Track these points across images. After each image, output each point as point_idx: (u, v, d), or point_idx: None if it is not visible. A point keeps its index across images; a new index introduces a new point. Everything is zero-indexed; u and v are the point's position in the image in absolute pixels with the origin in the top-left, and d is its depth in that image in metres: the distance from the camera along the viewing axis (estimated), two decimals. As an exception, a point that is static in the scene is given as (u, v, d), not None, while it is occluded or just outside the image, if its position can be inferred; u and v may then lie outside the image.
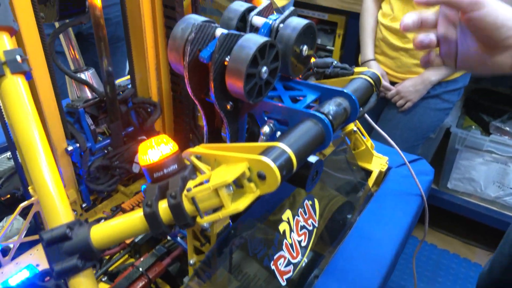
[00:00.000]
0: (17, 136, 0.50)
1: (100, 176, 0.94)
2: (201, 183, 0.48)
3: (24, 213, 0.84)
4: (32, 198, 0.86)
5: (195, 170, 0.54)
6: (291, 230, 0.75)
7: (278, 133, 0.61)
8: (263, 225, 0.72)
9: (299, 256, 0.76)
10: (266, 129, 0.60)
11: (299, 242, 0.76)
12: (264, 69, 0.56)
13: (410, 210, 0.94)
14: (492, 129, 1.87)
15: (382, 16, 1.57)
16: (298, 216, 0.78)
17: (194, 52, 0.56)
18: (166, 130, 1.04)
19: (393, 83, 1.58)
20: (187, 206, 0.47)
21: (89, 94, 0.93)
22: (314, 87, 0.65)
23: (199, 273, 0.64)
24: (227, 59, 0.54)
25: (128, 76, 1.01)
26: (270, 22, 0.64)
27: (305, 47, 0.64)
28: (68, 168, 0.88)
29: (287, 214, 0.75)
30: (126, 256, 0.88)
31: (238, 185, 0.49)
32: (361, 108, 0.66)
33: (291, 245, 0.75)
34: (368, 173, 1.02)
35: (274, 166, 0.46)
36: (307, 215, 0.80)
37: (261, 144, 0.50)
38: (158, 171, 0.50)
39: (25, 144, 0.49)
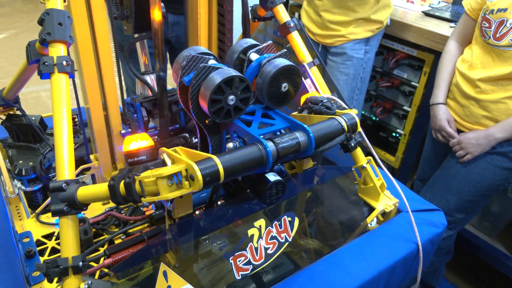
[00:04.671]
0: (53, 111, 0.73)
1: (144, 158, 1.17)
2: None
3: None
4: (91, 163, 1.14)
5: (163, 164, 0.70)
6: (259, 237, 0.86)
7: (241, 150, 0.74)
8: (233, 225, 0.85)
9: (261, 260, 0.87)
10: (230, 145, 0.74)
11: (266, 248, 0.87)
12: (231, 97, 0.69)
13: (397, 253, 0.96)
14: None
15: (461, 61, 1.53)
16: (272, 227, 0.88)
17: (184, 75, 0.73)
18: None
19: (459, 131, 1.52)
20: (137, 186, 0.64)
21: (150, 93, 1.17)
22: (285, 118, 0.76)
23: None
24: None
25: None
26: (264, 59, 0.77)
27: (284, 85, 0.76)
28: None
29: (260, 222, 0.87)
30: (146, 224, 1.09)
31: (181, 180, 0.64)
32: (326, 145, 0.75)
33: (256, 249, 0.86)
34: (371, 209, 1.05)
35: (199, 173, 0.60)
36: (282, 228, 0.90)
37: (205, 154, 0.65)
38: (131, 157, 0.68)
39: (56, 120, 0.72)
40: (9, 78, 1.14)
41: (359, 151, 1.02)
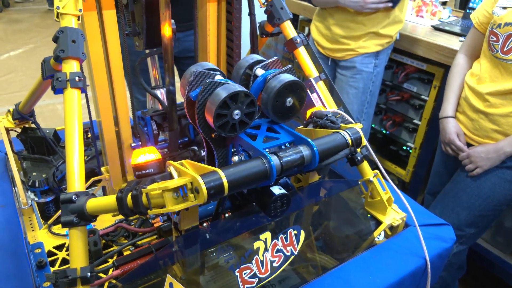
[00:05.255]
0: (65, 125, 0.75)
1: (153, 170, 1.20)
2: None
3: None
4: (102, 175, 1.16)
5: (170, 177, 0.72)
6: (265, 249, 0.87)
7: (246, 164, 0.75)
8: (238, 237, 0.86)
9: (267, 273, 0.87)
10: (235, 158, 0.75)
11: (271, 261, 0.88)
12: (236, 111, 0.71)
13: (405, 268, 0.95)
14: None
15: (470, 75, 1.52)
16: (278, 240, 0.89)
17: (191, 91, 0.75)
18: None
19: (469, 145, 1.51)
20: (144, 199, 0.66)
21: (160, 107, 1.20)
22: (290, 133, 0.77)
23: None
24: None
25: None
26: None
27: (289, 99, 0.77)
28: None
29: (266, 235, 0.87)
30: (154, 236, 1.11)
31: (186, 193, 0.65)
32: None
33: (262, 261, 0.87)
34: (379, 223, 1.05)
35: (204, 186, 0.62)
36: (288, 241, 0.90)
37: (210, 168, 0.66)
38: (139, 170, 0.70)
39: (68, 134, 0.75)
40: (26, 91, 1.18)
41: (365, 165, 1.02)
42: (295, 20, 2.55)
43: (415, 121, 2.09)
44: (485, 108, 1.43)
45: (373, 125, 2.33)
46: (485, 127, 1.44)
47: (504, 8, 1.36)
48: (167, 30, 1.04)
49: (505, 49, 1.34)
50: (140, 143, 1.13)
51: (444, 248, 1.03)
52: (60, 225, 1.11)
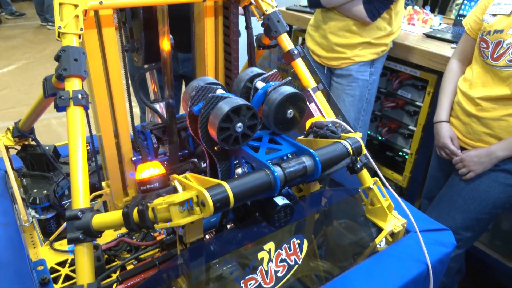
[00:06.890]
0: (68, 142, 0.76)
1: (154, 184, 1.20)
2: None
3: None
4: (103, 190, 1.16)
5: (174, 190, 0.73)
6: (269, 260, 0.88)
7: (249, 175, 0.76)
8: (243, 248, 0.86)
9: (272, 283, 0.87)
10: (238, 170, 0.76)
11: (276, 271, 0.88)
12: (239, 124, 0.72)
13: (407, 274, 0.96)
14: None
15: (462, 80, 1.55)
16: (281, 250, 0.90)
17: (193, 105, 0.76)
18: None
19: (463, 149, 1.54)
20: (150, 213, 0.66)
21: (159, 120, 1.21)
22: (292, 143, 0.79)
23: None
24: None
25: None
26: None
27: (289, 111, 0.79)
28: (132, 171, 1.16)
29: (270, 245, 0.88)
30: (157, 249, 1.11)
31: (192, 206, 0.66)
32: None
33: (266, 272, 0.87)
34: (380, 230, 1.06)
35: (210, 199, 0.63)
36: (292, 251, 0.91)
37: (215, 181, 0.67)
38: (143, 185, 0.71)
39: (72, 151, 0.75)
40: (21, 107, 1.19)
41: (365, 173, 1.03)
42: (288, 31, 2.58)
43: (411, 127, 2.11)
44: (477, 112, 1.45)
45: (369, 132, 2.35)
46: (477, 131, 1.47)
47: (494, 15, 1.39)
48: (165, 44, 1.06)
49: (495, 56, 1.37)
50: (141, 156, 1.14)
51: (444, 253, 1.05)
52: (61, 241, 1.11)
